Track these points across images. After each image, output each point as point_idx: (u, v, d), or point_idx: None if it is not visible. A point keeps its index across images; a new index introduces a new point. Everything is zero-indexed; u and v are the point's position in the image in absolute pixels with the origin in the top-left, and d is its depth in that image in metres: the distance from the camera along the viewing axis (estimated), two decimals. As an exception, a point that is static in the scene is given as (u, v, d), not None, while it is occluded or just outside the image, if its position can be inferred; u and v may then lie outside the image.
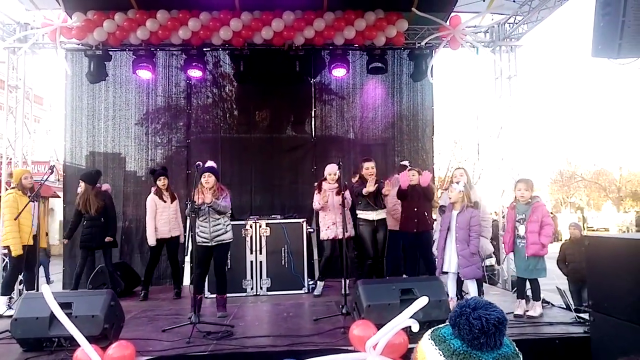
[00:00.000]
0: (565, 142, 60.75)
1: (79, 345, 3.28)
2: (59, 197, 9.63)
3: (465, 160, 24.95)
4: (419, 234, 6.08)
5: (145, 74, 7.78)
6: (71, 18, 7.17)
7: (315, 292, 6.51)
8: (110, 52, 7.75)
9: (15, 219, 5.60)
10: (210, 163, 5.61)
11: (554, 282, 6.17)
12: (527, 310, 4.96)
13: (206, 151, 8.14)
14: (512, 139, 7.92)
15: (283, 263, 6.76)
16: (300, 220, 6.90)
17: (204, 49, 7.85)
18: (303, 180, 8.21)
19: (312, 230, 7.12)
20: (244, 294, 6.60)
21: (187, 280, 7.08)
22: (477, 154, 9.12)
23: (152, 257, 6.77)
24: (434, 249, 5.72)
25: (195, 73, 7.82)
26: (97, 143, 8.16)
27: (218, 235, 5.32)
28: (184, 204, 6.85)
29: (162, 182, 6.70)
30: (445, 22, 7.51)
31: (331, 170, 6.45)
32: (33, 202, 5.95)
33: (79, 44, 7.66)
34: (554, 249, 7.95)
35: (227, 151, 8.19)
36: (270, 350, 3.99)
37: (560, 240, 18.31)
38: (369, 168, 6.15)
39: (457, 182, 5.44)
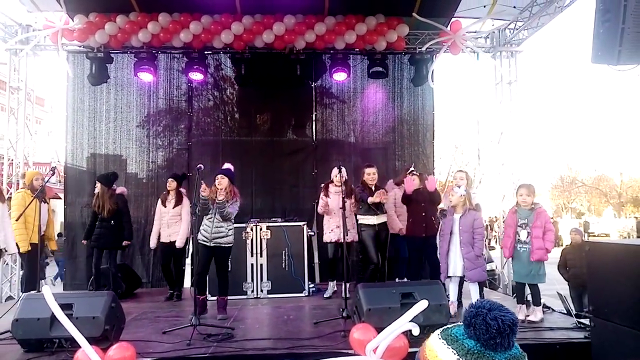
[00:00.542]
0: (566, 148, 60.75)
1: (79, 347, 3.28)
2: (60, 198, 9.63)
3: (466, 165, 24.96)
4: (427, 238, 6.08)
5: (146, 77, 7.80)
6: (73, 20, 7.19)
7: (326, 294, 6.50)
8: (112, 55, 7.78)
9: (17, 220, 5.62)
10: (226, 165, 5.63)
11: (554, 287, 6.17)
12: (528, 315, 4.96)
13: (207, 154, 8.18)
14: (513, 144, 7.94)
15: (283, 266, 6.76)
16: (301, 223, 6.91)
17: (205, 52, 7.89)
18: (304, 184, 8.23)
19: (312, 233, 7.13)
20: (245, 297, 6.60)
21: (187, 282, 7.08)
22: (478, 159, 9.12)
23: (163, 258, 6.81)
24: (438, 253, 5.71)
25: (196, 76, 7.85)
26: (98, 145, 8.18)
27: (217, 238, 5.32)
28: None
29: (168, 184, 6.75)
30: (446, 27, 7.54)
31: (337, 172, 6.46)
32: (42, 202, 6.03)
33: (80, 46, 7.69)
34: (554, 254, 7.96)
35: (228, 154, 8.18)
36: (271, 353, 3.99)
37: (561, 245, 18.31)
38: (370, 174, 6.17)
39: (459, 186, 5.44)
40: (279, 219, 7.16)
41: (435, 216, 6.18)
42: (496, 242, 7.55)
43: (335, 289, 6.55)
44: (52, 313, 3.35)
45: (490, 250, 7.80)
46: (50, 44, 7.54)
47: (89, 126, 8.16)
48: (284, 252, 6.77)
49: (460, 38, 7.53)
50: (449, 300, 4.99)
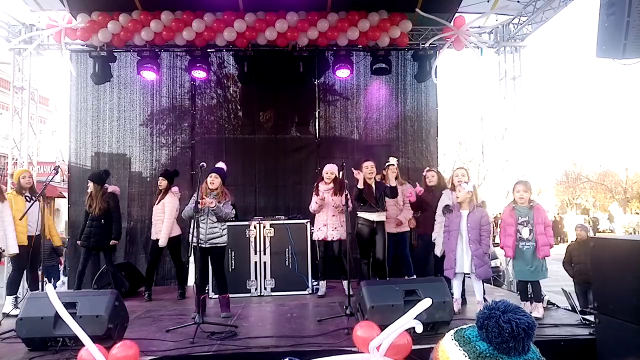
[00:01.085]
0: (571, 143, 60.45)
1: (83, 345, 3.29)
2: (64, 197, 9.68)
3: (470, 161, 24.95)
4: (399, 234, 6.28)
5: (149, 75, 7.81)
6: (76, 19, 7.20)
7: (319, 293, 6.51)
8: (115, 53, 7.79)
9: (20, 219, 5.60)
10: (220, 164, 5.63)
11: (559, 283, 6.14)
12: (531, 312, 4.94)
13: (210, 152, 8.17)
14: (517, 140, 7.89)
15: (287, 264, 6.76)
16: (304, 221, 6.90)
17: (208, 50, 7.88)
18: (307, 181, 8.20)
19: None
20: (248, 295, 6.61)
21: (191, 280, 7.09)
22: (482, 155, 9.07)
23: (152, 257, 6.83)
24: (437, 251, 5.68)
25: (199, 74, 7.84)
26: (102, 144, 8.19)
27: (212, 238, 5.33)
28: (183, 205, 6.87)
29: (159, 182, 6.80)
30: (449, 22, 7.50)
31: (329, 169, 6.45)
32: (29, 201, 5.94)
33: (83, 45, 7.70)
34: (559, 251, 7.92)
35: (232, 152, 8.21)
36: (274, 351, 3.99)
37: (566, 241, 18.22)
38: (368, 167, 6.15)
39: (466, 182, 5.40)
40: (283, 217, 7.16)
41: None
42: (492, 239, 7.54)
43: (325, 288, 6.55)
44: (56, 312, 3.37)
45: (495, 246, 7.75)
46: (54, 43, 7.55)
47: (93, 125, 8.18)
48: (287, 249, 6.77)
49: (464, 33, 7.50)
50: (452, 297, 4.97)
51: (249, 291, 6.65)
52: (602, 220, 31.66)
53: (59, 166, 6.11)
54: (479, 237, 5.09)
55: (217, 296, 5.78)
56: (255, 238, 6.75)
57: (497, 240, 6.25)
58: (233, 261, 6.67)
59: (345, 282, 5.83)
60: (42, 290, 5.43)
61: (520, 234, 4.99)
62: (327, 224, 6.35)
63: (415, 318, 2.95)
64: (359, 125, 8.58)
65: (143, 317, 5.50)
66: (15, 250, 5.57)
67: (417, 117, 8.58)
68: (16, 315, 4.39)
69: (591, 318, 4.39)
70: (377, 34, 7.42)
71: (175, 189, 6.84)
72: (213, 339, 4.31)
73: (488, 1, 7.28)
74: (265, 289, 6.71)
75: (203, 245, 5.29)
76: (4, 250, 5.45)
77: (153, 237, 6.74)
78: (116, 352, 3.40)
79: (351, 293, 5.07)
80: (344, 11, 7.38)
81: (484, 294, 5.26)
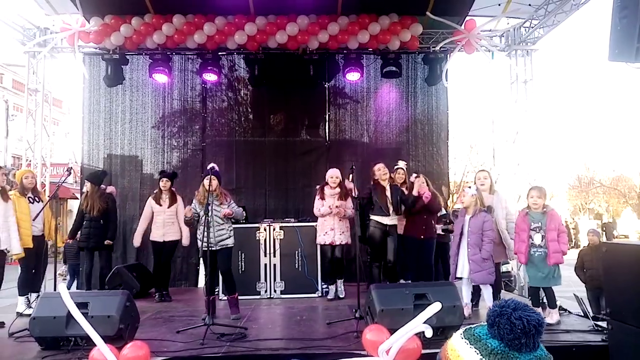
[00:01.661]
0: (584, 147, 59.92)
1: (95, 345, 3.32)
2: (77, 198, 9.79)
3: (481, 165, 24.76)
4: (425, 240, 6.12)
5: (161, 78, 7.88)
6: (89, 22, 7.29)
7: (329, 296, 6.50)
8: (127, 56, 7.88)
9: (33, 220, 5.64)
10: (211, 165, 5.54)
11: (571, 289, 6.08)
12: (544, 318, 4.89)
13: (221, 154, 8.23)
14: (529, 144, 7.84)
15: (297, 266, 6.76)
16: (314, 223, 6.87)
17: (219, 53, 7.93)
18: (317, 184, 8.15)
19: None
20: (258, 297, 6.62)
21: (201, 282, 7.12)
22: (493, 159, 9.02)
23: (155, 259, 6.82)
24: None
25: (210, 77, 7.90)
26: (114, 145, 8.28)
27: (222, 240, 5.35)
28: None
29: (162, 183, 6.67)
30: (460, 26, 7.48)
31: (333, 174, 6.43)
32: (35, 202, 5.94)
33: (96, 48, 7.80)
34: (571, 256, 7.85)
35: (242, 154, 8.25)
36: (283, 353, 3.99)
37: (579, 247, 18.03)
38: (380, 169, 6.15)
39: (469, 187, 5.39)
40: (292, 219, 7.17)
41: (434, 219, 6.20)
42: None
43: (334, 292, 6.53)
44: (69, 312, 3.40)
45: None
46: (67, 46, 7.65)
47: (105, 127, 8.27)
48: (297, 252, 6.77)
49: (475, 37, 7.47)
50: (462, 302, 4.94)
51: (258, 293, 6.67)
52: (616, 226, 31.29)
53: (71, 167, 6.13)
54: (480, 242, 5.04)
55: (226, 297, 5.80)
56: (265, 240, 6.76)
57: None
58: (243, 263, 6.70)
59: (341, 284, 5.85)
60: (55, 290, 5.49)
61: (533, 240, 4.94)
62: (334, 228, 6.32)
63: (424, 322, 2.94)
64: (369, 128, 8.59)
65: (154, 318, 5.53)
66: (19, 251, 5.54)
67: (428, 121, 8.57)
68: (29, 315, 4.44)
69: (604, 324, 4.34)
70: (388, 37, 7.42)
71: (173, 189, 6.84)
72: (223, 340, 4.32)
73: (499, 5, 7.25)
74: (274, 291, 6.72)
75: (213, 248, 5.31)
76: (9, 251, 5.45)
77: (159, 239, 6.65)
78: (127, 352, 3.43)
79: (360, 296, 5.06)
80: (355, 14, 7.39)
81: (495, 299, 5.21)
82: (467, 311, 5.06)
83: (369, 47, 7.71)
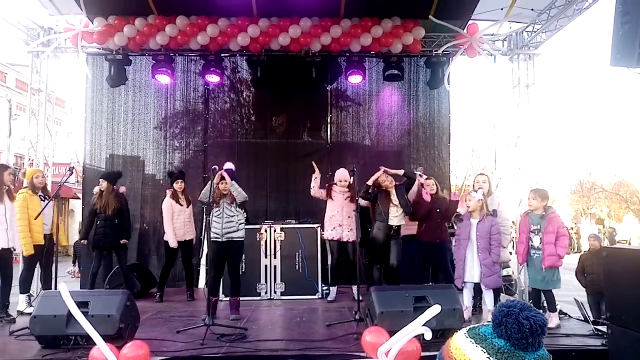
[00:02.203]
0: (585, 152, 59.82)
1: (94, 344, 3.33)
2: (79, 198, 9.82)
3: (482, 169, 24.75)
4: (440, 244, 6.08)
5: (164, 79, 7.90)
6: (93, 23, 7.31)
7: (329, 298, 6.51)
8: (130, 57, 7.89)
9: (35, 218, 5.68)
10: (228, 165, 5.67)
11: (572, 293, 6.08)
12: (545, 321, 4.90)
13: (223, 155, 8.21)
14: (530, 148, 7.84)
15: (297, 268, 6.77)
16: (315, 225, 6.92)
17: (222, 55, 7.96)
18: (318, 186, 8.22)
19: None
20: (258, 298, 6.63)
21: (202, 282, 7.13)
22: (495, 163, 9.05)
23: (167, 260, 6.85)
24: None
25: (213, 78, 7.92)
26: (116, 146, 8.29)
27: (229, 232, 5.37)
28: (197, 208, 6.94)
29: (178, 184, 6.76)
30: (463, 30, 7.49)
31: (342, 177, 6.46)
32: (44, 200, 6.00)
33: (99, 49, 7.81)
34: (572, 260, 7.84)
35: (244, 156, 8.26)
36: (283, 354, 4.01)
37: (581, 251, 17.97)
38: (385, 180, 6.15)
39: (476, 190, 5.38)
40: (293, 221, 7.18)
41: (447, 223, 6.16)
42: (513, 247, 7.45)
43: (335, 294, 6.55)
44: (69, 310, 3.41)
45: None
46: (71, 46, 7.67)
47: (108, 127, 8.29)
48: (297, 253, 6.78)
49: (477, 41, 7.48)
50: (463, 305, 4.94)
51: (259, 294, 6.68)
52: (619, 231, 31.20)
53: (73, 167, 6.18)
54: (489, 246, 5.05)
55: (227, 298, 5.80)
56: (266, 241, 6.78)
57: (510, 248, 6.23)
58: (244, 264, 6.69)
59: (354, 287, 5.86)
60: (55, 288, 5.50)
61: (532, 242, 4.96)
62: (343, 224, 6.35)
63: (424, 325, 2.95)
64: (370, 131, 8.60)
65: (154, 318, 5.54)
66: (19, 250, 5.60)
67: (429, 124, 8.58)
68: (30, 313, 4.46)
69: (604, 329, 4.34)
70: (390, 40, 7.44)
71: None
72: (222, 341, 4.33)
73: (502, 9, 7.25)
74: (275, 292, 6.72)
75: (220, 240, 5.34)
76: (14, 250, 5.51)
77: (180, 238, 6.71)
78: (127, 351, 3.44)
79: (360, 298, 5.07)
80: (357, 17, 7.41)
81: (495, 303, 5.21)
82: (467, 314, 5.06)
83: (371, 50, 7.73)
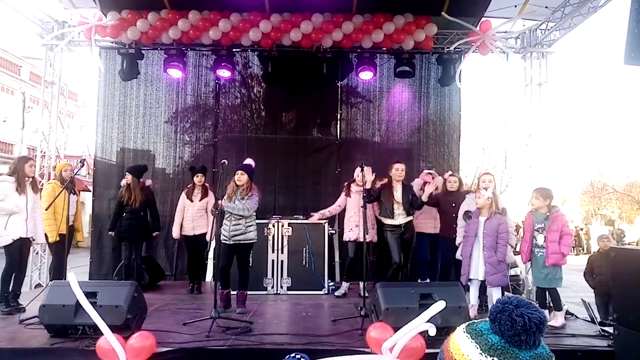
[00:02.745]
0: (597, 152, 59.10)
1: (102, 334, 3.38)
2: (89, 191, 9.91)
3: (493, 168, 24.62)
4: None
5: (175, 73, 7.94)
6: (106, 17, 7.38)
7: (337, 293, 6.52)
8: (143, 51, 7.94)
9: (46, 209, 5.79)
10: (248, 161, 5.69)
11: (580, 294, 6.04)
12: (549, 321, 4.88)
13: (232, 150, 8.27)
14: (541, 147, 7.78)
15: (304, 263, 6.79)
16: (322, 221, 6.92)
17: (234, 50, 7.97)
18: (326, 182, 8.25)
19: (333, 232, 7.14)
20: (265, 292, 6.66)
21: (209, 276, 7.18)
22: (505, 162, 8.98)
23: (187, 252, 6.97)
24: (458, 254, 5.65)
25: (224, 73, 7.94)
26: (127, 139, 8.36)
27: (235, 236, 5.38)
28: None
29: (198, 178, 6.81)
30: (475, 27, 7.44)
31: (360, 172, 6.46)
32: (71, 193, 6.12)
33: (112, 42, 7.88)
34: (581, 261, 7.77)
35: (253, 151, 8.25)
36: (288, 348, 4.01)
37: (590, 252, 17.80)
38: (398, 169, 6.13)
39: (486, 188, 5.37)
40: (301, 217, 7.19)
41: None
42: (511, 246, 7.42)
43: (346, 290, 6.56)
44: (77, 300, 3.46)
45: (515, 255, 7.62)
46: (84, 39, 7.74)
47: (119, 121, 8.36)
48: (304, 249, 6.80)
49: (490, 38, 7.43)
50: (469, 303, 4.93)
51: (265, 289, 6.71)
52: (629, 233, 30.86)
53: (84, 159, 6.29)
54: (495, 245, 5.05)
55: (234, 292, 5.84)
56: (274, 236, 6.80)
57: (518, 248, 6.19)
58: (251, 258, 6.72)
59: (361, 284, 5.87)
60: (65, 278, 5.58)
61: (536, 240, 4.96)
62: (360, 224, 6.35)
63: (429, 321, 2.95)
64: (380, 127, 8.58)
65: (161, 310, 5.60)
66: (43, 240, 5.80)
67: (440, 121, 8.54)
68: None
69: (610, 330, 4.31)
70: (402, 36, 7.41)
71: (207, 184, 6.95)
72: (228, 333, 4.36)
73: (515, 6, 7.20)
74: (281, 287, 6.75)
75: (227, 242, 5.36)
76: (34, 239, 5.63)
77: (189, 232, 6.79)
78: (134, 342, 3.49)
79: (366, 294, 5.07)
80: (369, 13, 7.39)
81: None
82: (472, 312, 5.05)
83: (382, 47, 7.71)
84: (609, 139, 58.14)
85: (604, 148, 60.06)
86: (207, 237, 6.70)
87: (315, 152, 8.47)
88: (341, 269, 6.78)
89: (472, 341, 1.17)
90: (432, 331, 2.90)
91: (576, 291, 5.82)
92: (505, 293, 5.79)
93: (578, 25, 7.13)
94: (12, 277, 5.45)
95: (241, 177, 5.45)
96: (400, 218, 6.08)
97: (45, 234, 6.05)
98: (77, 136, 23.44)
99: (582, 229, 26.96)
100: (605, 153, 59.24)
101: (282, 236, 6.81)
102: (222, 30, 7.34)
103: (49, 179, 7.39)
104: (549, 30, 7.60)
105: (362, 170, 5.76)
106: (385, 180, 6.14)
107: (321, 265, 6.80)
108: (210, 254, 7.09)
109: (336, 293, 6.55)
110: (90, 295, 3.75)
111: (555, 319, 4.86)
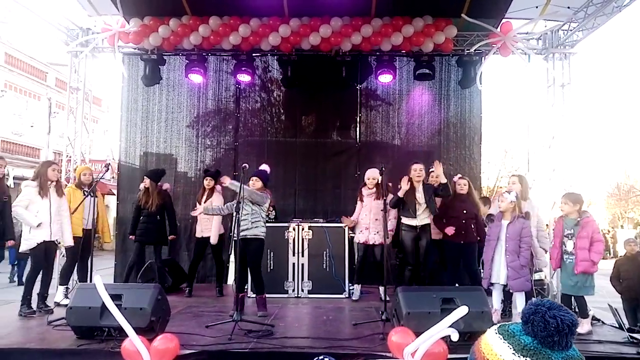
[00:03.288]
0: (623, 154, 57.74)
1: (127, 336, 3.44)
2: (114, 194, 10.10)
3: (515, 170, 24.26)
4: (465, 245, 5.97)
5: (196, 78, 8.04)
6: (129, 23, 7.50)
7: (354, 297, 6.52)
8: (165, 57, 8.06)
9: (72, 213, 5.90)
10: (263, 167, 5.77)
11: (607, 300, 5.91)
12: (576, 325, 4.79)
13: (253, 154, 8.34)
14: (565, 149, 7.64)
15: (324, 267, 6.80)
16: (343, 224, 6.92)
17: (253, 54, 8.04)
18: (346, 185, 8.25)
19: (354, 235, 7.13)
20: (286, 295, 6.69)
21: (231, 279, 7.24)
22: (528, 164, 8.83)
23: (194, 255, 7.04)
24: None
25: (244, 78, 8.01)
26: (150, 144, 8.50)
27: (242, 230, 5.39)
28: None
29: (207, 182, 6.90)
30: (496, 28, 7.35)
31: (370, 174, 6.46)
32: (91, 197, 6.22)
33: (135, 49, 8.01)
34: (607, 266, 7.61)
35: (273, 154, 8.34)
36: (309, 352, 4.03)
37: (617, 256, 17.41)
38: (417, 170, 6.11)
39: (509, 192, 5.30)
40: (321, 220, 7.20)
41: (478, 223, 6.04)
42: (545, 251, 7.27)
43: (360, 293, 6.56)
44: (103, 303, 3.53)
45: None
46: (108, 46, 7.88)
47: (142, 125, 8.51)
48: (325, 252, 6.81)
49: (511, 39, 7.33)
50: (492, 308, 4.87)
51: (286, 292, 6.74)
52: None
53: (109, 164, 6.36)
54: (518, 249, 4.97)
55: (254, 296, 5.88)
56: (294, 240, 6.83)
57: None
58: (271, 262, 6.78)
59: (381, 288, 5.86)
60: (91, 281, 5.69)
61: (565, 247, 4.86)
62: (370, 227, 6.36)
63: (451, 326, 2.93)
64: (400, 130, 8.55)
65: (184, 312, 5.67)
66: (71, 243, 5.90)
67: (461, 124, 8.47)
68: (66, 305, 4.63)
69: (639, 336, 4.21)
70: (421, 39, 7.37)
71: (219, 187, 6.99)
72: (250, 336, 4.40)
73: (537, 7, 7.09)
74: (302, 290, 6.77)
75: (236, 239, 5.42)
76: (59, 243, 5.76)
77: (198, 234, 6.93)
78: (157, 344, 3.54)
79: (387, 298, 5.06)
80: (388, 16, 7.36)
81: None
82: (495, 317, 4.99)
83: (402, 49, 7.67)
84: (635, 140, 56.77)
85: (630, 150, 58.68)
86: (211, 240, 6.75)
87: (334, 156, 8.48)
88: (353, 271, 6.76)
89: (505, 342, 1.19)
90: (455, 336, 2.89)
91: (602, 296, 5.69)
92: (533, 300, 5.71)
93: (601, 26, 6.99)
94: (38, 280, 5.57)
95: (255, 183, 5.58)
96: (421, 217, 6.06)
97: (57, 241, 5.96)
98: (101, 141, 23.88)
99: (608, 232, 26.36)
100: (632, 155, 57.76)
101: (303, 239, 6.83)
102: (242, 35, 7.40)
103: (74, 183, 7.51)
104: (571, 30, 7.46)
105: (382, 174, 5.73)
106: (406, 185, 6.05)
107: (342, 269, 6.79)
108: (232, 257, 7.16)
109: (353, 297, 6.55)
110: (115, 297, 3.82)
111: (581, 326, 4.76)
